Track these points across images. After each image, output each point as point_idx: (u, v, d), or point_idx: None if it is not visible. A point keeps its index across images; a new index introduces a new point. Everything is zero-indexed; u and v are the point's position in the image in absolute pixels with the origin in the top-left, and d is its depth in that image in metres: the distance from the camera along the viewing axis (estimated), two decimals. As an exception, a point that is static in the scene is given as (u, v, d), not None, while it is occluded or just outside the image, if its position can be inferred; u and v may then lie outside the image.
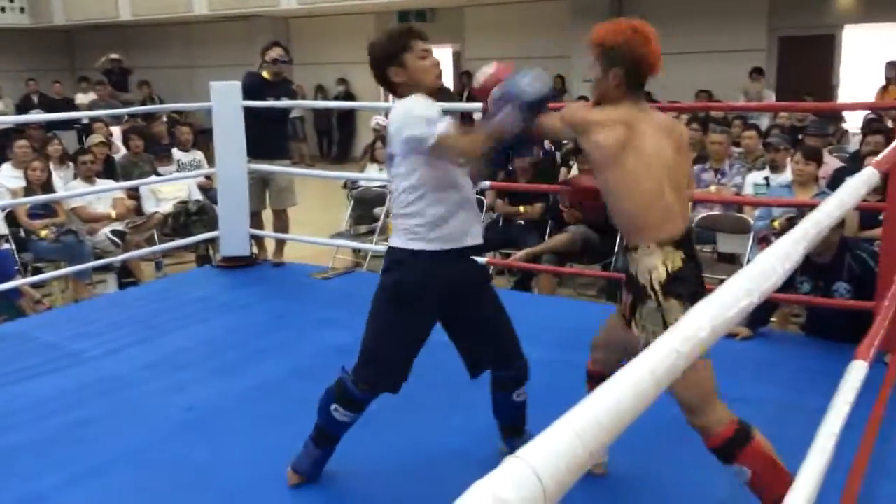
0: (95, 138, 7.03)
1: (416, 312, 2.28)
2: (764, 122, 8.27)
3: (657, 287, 2.00)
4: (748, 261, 4.32)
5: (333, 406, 2.31)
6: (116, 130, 8.38)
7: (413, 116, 2.16)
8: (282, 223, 5.11)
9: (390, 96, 2.49)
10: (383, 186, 6.47)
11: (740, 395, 3.00)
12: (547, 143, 6.86)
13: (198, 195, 6.53)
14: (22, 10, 14.57)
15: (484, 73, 2.31)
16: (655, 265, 2.00)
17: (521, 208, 5.60)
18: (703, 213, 5.17)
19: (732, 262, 5.18)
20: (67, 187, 5.94)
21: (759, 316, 3.55)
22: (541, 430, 0.72)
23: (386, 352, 2.30)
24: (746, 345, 3.45)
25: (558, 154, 7.25)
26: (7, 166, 6.15)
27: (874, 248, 3.53)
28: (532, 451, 0.69)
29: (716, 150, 5.67)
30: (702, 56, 9.76)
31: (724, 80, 9.58)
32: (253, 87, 4.78)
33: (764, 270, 1.16)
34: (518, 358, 2.44)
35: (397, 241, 2.30)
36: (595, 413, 0.77)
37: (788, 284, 3.37)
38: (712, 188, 5.46)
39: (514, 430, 2.52)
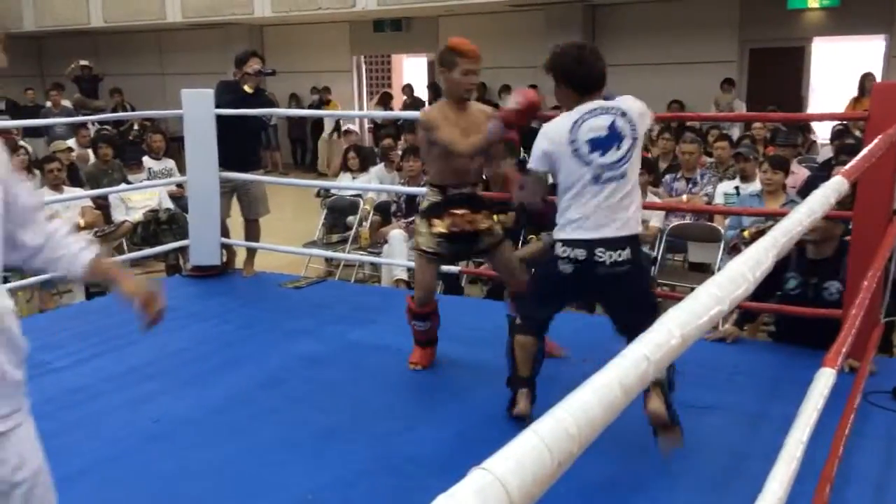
0: (60, 145, 6.91)
1: None
2: (735, 132, 8.37)
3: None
4: (719, 269, 4.34)
5: None
6: (71, 141, 8.20)
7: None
8: (253, 233, 5.04)
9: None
10: (356, 195, 6.44)
11: (713, 403, 3.02)
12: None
13: (168, 204, 6.45)
14: (-10, 16, 14.38)
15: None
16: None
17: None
18: (674, 221, 5.20)
19: (703, 271, 5.21)
20: (34, 195, 5.81)
21: (747, 316, 3.64)
22: (512, 434, 0.71)
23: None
24: (719, 353, 3.46)
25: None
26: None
27: None
28: (499, 461, 0.67)
29: (687, 160, 5.71)
30: (675, 67, 9.87)
31: (696, 91, 9.71)
32: (234, 103, 4.67)
33: (734, 278, 1.15)
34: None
35: (637, 228, 2.61)
36: (563, 423, 0.75)
37: (772, 283, 3.35)
38: (684, 197, 5.51)
39: None
